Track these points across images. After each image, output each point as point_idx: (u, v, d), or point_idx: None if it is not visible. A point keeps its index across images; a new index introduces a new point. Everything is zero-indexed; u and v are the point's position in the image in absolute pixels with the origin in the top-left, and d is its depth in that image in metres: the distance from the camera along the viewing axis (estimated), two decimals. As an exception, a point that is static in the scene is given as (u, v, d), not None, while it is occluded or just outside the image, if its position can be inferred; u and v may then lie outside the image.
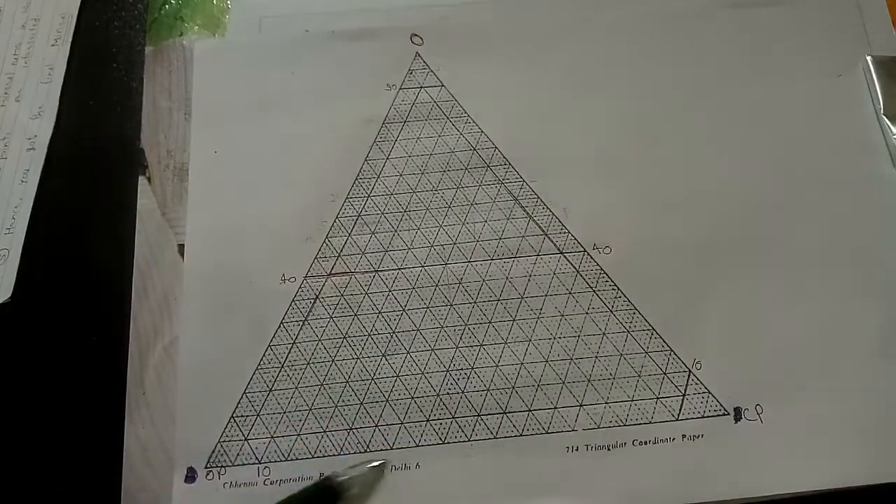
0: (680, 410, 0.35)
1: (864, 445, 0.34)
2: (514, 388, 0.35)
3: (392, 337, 0.36)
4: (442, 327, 0.37)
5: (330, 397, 0.35)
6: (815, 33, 0.42)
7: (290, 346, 0.36)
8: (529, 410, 0.35)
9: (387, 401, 0.35)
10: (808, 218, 0.38)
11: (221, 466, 0.34)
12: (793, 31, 0.42)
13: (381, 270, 0.38)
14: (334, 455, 0.34)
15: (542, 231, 0.38)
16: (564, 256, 0.38)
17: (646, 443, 0.34)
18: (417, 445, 0.34)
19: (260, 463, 0.34)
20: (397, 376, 0.36)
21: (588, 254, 0.38)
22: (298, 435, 0.35)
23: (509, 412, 0.35)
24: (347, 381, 0.36)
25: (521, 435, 0.34)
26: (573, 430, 0.34)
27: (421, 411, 0.35)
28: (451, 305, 0.37)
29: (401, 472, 0.34)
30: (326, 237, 0.38)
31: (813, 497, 0.33)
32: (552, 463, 0.34)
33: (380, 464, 0.34)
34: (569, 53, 0.42)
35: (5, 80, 0.43)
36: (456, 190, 0.39)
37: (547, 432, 0.34)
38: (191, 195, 0.39)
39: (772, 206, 0.38)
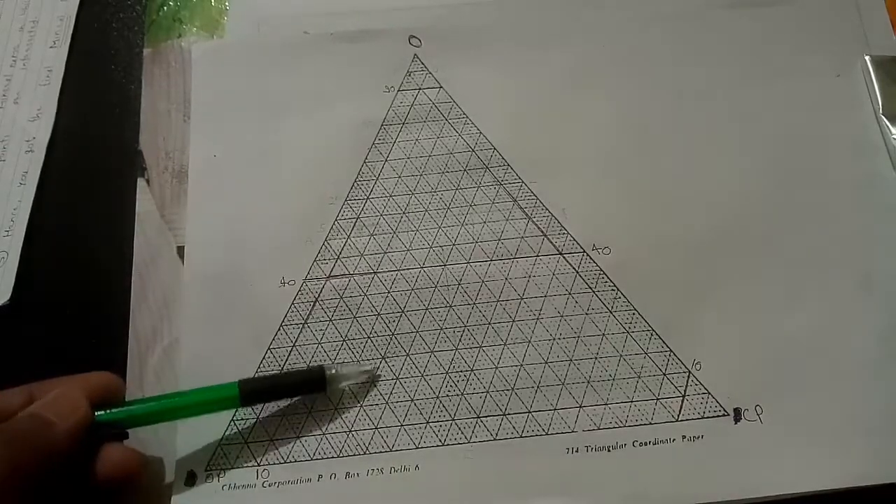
0: (680, 411, 0.35)
1: (864, 445, 0.34)
2: (513, 389, 0.35)
3: (391, 339, 0.36)
4: (441, 329, 0.36)
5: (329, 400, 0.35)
6: (815, 33, 0.42)
7: (289, 348, 0.36)
8: (529, 412, 0.35)
9: (386, 403, 0.35)
10: (808, 218, 0.38)
11: (221, 469, 0.34)
12: (792, 31, 0.42)
13: (381, 272, 0.38)
14: (334, 457, 0.34)
15: (542, 232, 0.38)
16: (564, 257, 0.38)
17: (646, 444, 0.34)
18: (417, 447, 0.34)
19: (259, 466, 0.34)
20: (397, 378, 0.36)
21: (587, 254, 0.38)
22: (297, 437, 0.35)
23: (509, 414, 0.35)
24: (347, 383, 0.36)
25: (521, 436, 0.34)
26: (573, 432, 0.34)
27: (420, 413, 0.35)
28: (450, 307, 0.37)
29: (400, 474, 0.34)
30: (325, 239, 0.38)
31: (813, 497, 0.33)
32: (552, 464, 0.34)
33: (372, 368, 0.35)
34: (568, 54, 0.42)
35: (4, 82, 0.43)
36: (455, 191, 0.39)
37: (547, 434, 0.34)
38: (190, 197, 0.39)
39: (772, 206, 0.38)
